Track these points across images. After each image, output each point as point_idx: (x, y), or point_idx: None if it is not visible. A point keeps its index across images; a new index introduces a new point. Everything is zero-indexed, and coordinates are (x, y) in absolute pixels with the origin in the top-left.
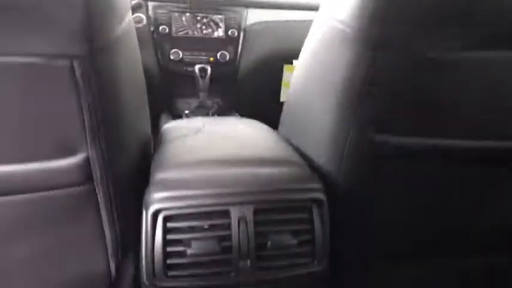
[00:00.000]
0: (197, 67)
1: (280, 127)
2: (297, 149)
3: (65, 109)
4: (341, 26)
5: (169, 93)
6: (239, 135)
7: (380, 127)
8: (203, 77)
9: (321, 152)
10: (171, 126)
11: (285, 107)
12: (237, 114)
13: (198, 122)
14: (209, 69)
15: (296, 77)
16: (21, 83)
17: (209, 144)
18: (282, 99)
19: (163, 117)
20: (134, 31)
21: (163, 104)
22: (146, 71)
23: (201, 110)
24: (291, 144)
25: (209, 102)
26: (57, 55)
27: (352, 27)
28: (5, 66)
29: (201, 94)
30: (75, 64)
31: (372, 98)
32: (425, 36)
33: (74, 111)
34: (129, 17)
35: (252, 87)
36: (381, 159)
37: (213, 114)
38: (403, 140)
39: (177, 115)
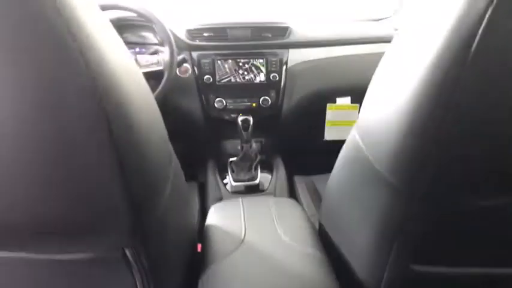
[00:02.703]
0: (240, 119)
1: (321, 215)
2: (334, 251)
3: None
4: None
5: (214, 138)
6: (279, 257)
7: (419, 257)
8: (246, 129)
9: (359, 269)
10: (214, 224)
11: (325, 201)
12: (280, 159)
13: (238, 219)
14: (251, 120)
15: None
16: (79, 277)
17: (251, 274)
18: (326, 138)
19: (210, 165)
20: (180, 187)
21: (209, 148)
22: (192, 117)
23: (245, 161)
24: (329, 243)
25: (252, 152)
26: (111, 248)
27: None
28: (69, 263)
29: (244, 146)
30: (128, 253)
31: (411, 232)
32: (477, 189)
33: None
34: (172, 174)
35: (295, 128)
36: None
37: (256, 166)
38: (442, 269)
39: (222, 162)
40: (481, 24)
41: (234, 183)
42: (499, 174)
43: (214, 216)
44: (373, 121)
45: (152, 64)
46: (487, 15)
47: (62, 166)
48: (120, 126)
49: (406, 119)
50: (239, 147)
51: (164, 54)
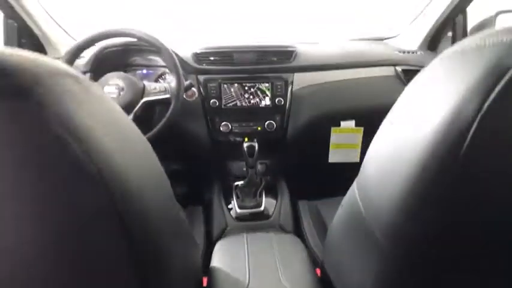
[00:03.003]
0: (245, 145)
1: (324, 256)
2: None
3: None
4: None
5: (219, 159)
6: None
7: None
8: (251, 155)
9: None
10: (219, 267)
11: (327, 242)
12: (284, 183)
13: (242, 262)
14: (256, 146)
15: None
16: None
17: None
18: (330, 160)
19: (215, 187)
20: (185, 235)
21: (214, 169)
22: (198, 140)
23: (250, 187)
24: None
25: (258, 177)
26: None
27: None
28: None
29: (249, 171)
30: None
31: None
32: None
33: None
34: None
35: (299, 150)
36: None
37: (260, 192)
38: None
39: (227, 183)
40: (469, 131)
41: (239, 210)
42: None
43: (220, 256)
44: (374, 183)
45: (160, 92)
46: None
47: None
48: (139, 240)
49: (409, 188)
50: (244, 169)
51: (171, 82)
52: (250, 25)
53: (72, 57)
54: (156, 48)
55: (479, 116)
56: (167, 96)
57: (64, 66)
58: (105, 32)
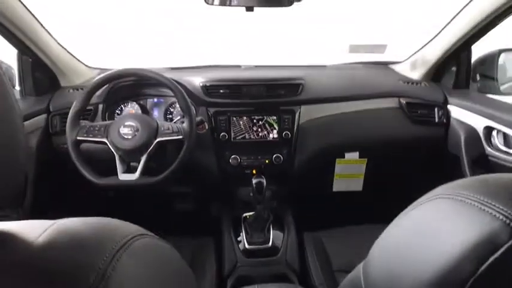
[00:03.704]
0: (254, 181)
1: None
2: None
3: None
4: None
5: (228, 192)
6: None
7: None
8: (260, 191)
9: None
10: None
11: None
12: (290, 214)
13: None
14: (265, 182)
15: None
16: None
17: None
18: (334, 189)
19: (225, 219)
20: None
21: (222, 195)
22: (207, 171)
23: (258, 222)
24: None
25: (265, 212)
26: None
27: None
28: None
29: (258, 207)
30: None
31: None
32: None
33: None
34: None
35: (304, 180)
36: None
37: (268, 227)
38: None
39: (236, 215)
40: None
41: (248, 246)
42: None
43: None
44: (380, 275)
45: (173, 133)
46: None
47: None
48: None
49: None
50: (251, 194)
51: (184, 124)
52: (250, 25)
53: (92, 92)
54: (171, 91)
55: (471, 279)
56: (180, 137)
57: None
58: (124, 72)
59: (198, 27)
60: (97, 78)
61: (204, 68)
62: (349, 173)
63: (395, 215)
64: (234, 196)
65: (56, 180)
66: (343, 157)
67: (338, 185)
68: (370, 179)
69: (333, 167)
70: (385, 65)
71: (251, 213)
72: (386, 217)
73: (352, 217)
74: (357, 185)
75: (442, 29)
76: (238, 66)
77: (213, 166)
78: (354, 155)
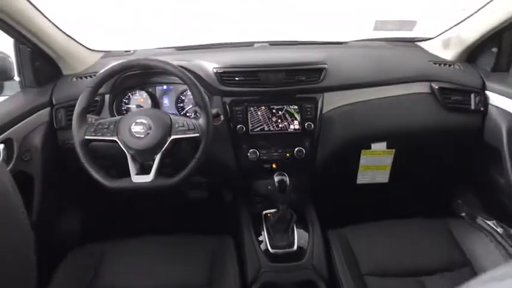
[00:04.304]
0: (276, 179)
1: None
2: None
3: None
4: None
5: (247, 188)
6: None
7: None
8: (283, 190)
9: None
10: None
11: None
12: (313, 211)
13: None
14: (288, 181)
15: None
16: None
17: None
18: (358, 182)
19: (244, 218)
20: None
21: (240, 189)
22: (224, 167)
23: (281, 223)
24: None
25: (288, 212)
26: None
27: None
28: None
29: (281, 207)
30: None
31: None
32: None
33: None
34: None
35: (327, 173)
36: None
37: (292, 228)
38: None
39: (256, 214)
40: None
41: (272, 250)
42: None
43: None
44: None
45: (188, 130)
46: None
47: None
48: None
49: None
50: (269, 187)
51: (200, 120)
52: (250, 25)
53: (98, 86)
54: (185, 83)
55: None
56: (196, 135)
57: None
58: (134, 63)
59: (196, 27)
60: (100, 72)
61: (213, 47)
62: (375, 164)
63: (424, 210)
64: (251, 189)
65: (64, 180)
66: (369, 148)
67: (362, 177)
68: (397, 170)
69: (357, 158)
70: (411, 42)
71: (272, 210)
72: (412, 212)
73: (377, 211)
74: (382, 176)
75: (484, 6)
76: (251, 44)
77: (231, 161)
78: (381, 146)
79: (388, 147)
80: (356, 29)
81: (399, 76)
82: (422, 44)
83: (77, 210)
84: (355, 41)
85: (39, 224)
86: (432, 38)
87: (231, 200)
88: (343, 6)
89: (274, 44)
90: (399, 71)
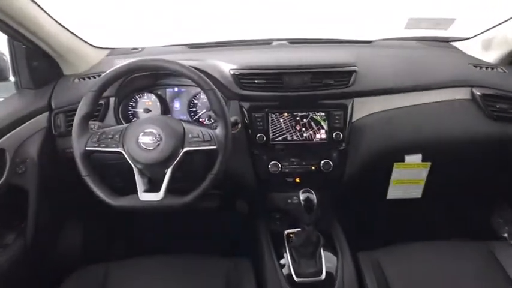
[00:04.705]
0: (302, 197)
1: None
2: None
3: None
4: None
5: (267, 204)
6: None
7: None
8: (309, 210)
9: None
10: None
11: None
12: (340, 230)
13: None
14: (315, 199)
15: None
16: None
17: None
18: (389, 197)
19: (263, 238)
20: None
21: (262, 218)
22: (242, 180)
23: (307, 247)
24: None
25: (314, 235)
26: None
27: None
28: None
29: (306, 228)
30: None
31: None
32: None
33: None
34: None
35: (355, 188)
36: None
37: (320, 253)
38: None
39: (276, 232)
40: None
41: (297, 279)
42: None
43: None
44: None
45: (204, 142)
46: None
47: None
48: None
49: None
50: (289, 201)
51: (217, 130)
52: (250, 25)
53: (102, 89)
54: (202, 88)
55: None
56: (213, 147)
57: None
58: (142, 64)
59: (197, 28)
60: (104, 74)
61: (228, 45)
62: (409, 178)
63: (460, 230)
64: (268, 203)
65: (63, 193)
66: (403, 160)
67: (394, 192)
68: (432, 185)
69: (389, 171)
70: (444, 41)
71: (294, 230)
72: (448, 231)
73: (409, 230)
74: (416, 191)
75: None
76: (269, 43)
77: (248, 174)
78: (416, 158)
79: (423, 159)
80: (385, 27)
81: (436, 80)
82: (457, 45)
83: (77, 226)
84: (382, 39)
85: (35, 243)
86: (469, 38)
87: (246, 213)
88: (374, 4)
89: (294, 42)
90: (436, 75)
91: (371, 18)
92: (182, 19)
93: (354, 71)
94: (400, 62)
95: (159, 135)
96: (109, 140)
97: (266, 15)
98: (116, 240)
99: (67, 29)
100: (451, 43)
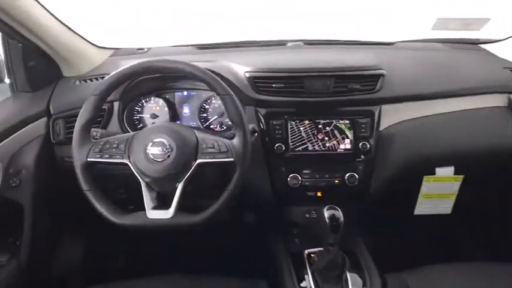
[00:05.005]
0: (326, 214)
1: None
2: None
3: None
4: None
5: (282, 219)
6: None
7: None
8: (336, 230)
9: None
10: None
11: None
12: (365, 249)
13: None
14: (342, 217)
15: None
16: None
17: None
18: (416, 213)
19: (281, 258)
20: None
21: (278, 234)
22: (257, 193)
23: (331, 270)
24: None
25: (339, 256)
26: None
27: None
28: None
29: (331, 249)
30: None
31: None
32: None
33: None
34: None
35: (381, 203)
36: None
37: (346, 277)
38: None
39: (295, 251)
40: None
41: None
42: None
43: None
44: None
45: (220, 153)
46: None
47: None
48: None
49: None
50: (307, 215)
51: (235, 140)
52: (250, 23)
53: (106, 93)
54: (217, 93)
55: None
56: (229, 159)
57: None
58: (153, 66)
59: (195, 26)
60: (108, 77)
61: (240, 45)
62: (438, 192)
63: (493, 249)
64: (284, 218)
65: (61, 206)
66: (433, 173)
67: (422, 207)
68: (463, 200)
69: (418, 185)
70: (473, 44)
71: (315, 249)
72: (479, 250)
73: (438, 249)
74: (445, 207)
75: None
76: (283, 44)
77: (264, 186)
78: (448, 171)
79: (456, 172)
80: (409, 28)
81: (468, 86)
82: (487, 47)
83: (77, 242)
84: (404, 41)
85: (31, 263)
86: (502, 40)
87: (254, 225)
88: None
89: (309, 43)
90: (467, 80)
91: (395, 17)
92: (180, 17)
93: (382, 74)
94: (428, 65)
95: (169, 145)
96: (113, 150)
97: (264, 13)
98: (118, 256)
99: (67, 26)
100: (480, 45)
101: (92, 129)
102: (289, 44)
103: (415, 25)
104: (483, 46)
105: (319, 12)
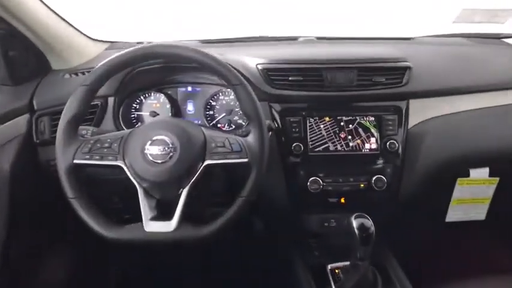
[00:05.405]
0: (355, 223)
1: None
2: None
3: None
4: None
5: (300, 230)
6: None
7: None
8: (366, 242)
9: None
10: None
11: None
12: (397, 263)
13: None
14: (372, 227)
15: None
16: None
17: None
18: (448, 219)
19: (300, 272)
20: None
21: (295, 245)
22: (272, 200)
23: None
24: None
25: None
26: None
27: None
28: None
29: (361, 263)
30: None
31: None
32: None
33: None
34: None
35: (409, 209)
36: None
37: None
38: None
39: (317, 266)
40: None
41: None
42: None
43: None
44: None
45: (232, 153)
46: None
47: None
48: None
49: None
50: (326, 224)
51: (250, 138)
52: (253, 25)
53: (97, 84)
54: (229, 83)
55: None
56: (243, 160)
57: None
58: (155, 51)
59: (197, 28)
60: (101, 64)
61: (248, 41)
62: (472, 197)
63: None
64: (299, 226)
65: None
66: (467, 175)
67: (454, 214)
68: (498, 205)
69: (450, 188)
70: (495, 38)
71: (340, 264)
72: None
73: (473, 260)
74: (479, 213)
75: None
76: (295, 39)
77: (281, 192)
78: (483, 172)
79: (491, 174)
80: (429, 21)
81: (499, 80)
82: (510, 41)
83: (61, 260)
84: (424, 36)
85: (6, 284)
86: None
87: (263, 233)
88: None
89: (322, 39)
90: (498, 74)
91: (416, 12)
92: (182, 19)
93: (409, 67)
94: (454, 59)
95: (172, 144)
96: (105, 150)
97: (267, 15)
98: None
99: (57, 15)
100: (503, 40)
101: (81, 127)
102: (301, 39)
103: (434, 20)
104: (506, 40)
105: (327, 13)
